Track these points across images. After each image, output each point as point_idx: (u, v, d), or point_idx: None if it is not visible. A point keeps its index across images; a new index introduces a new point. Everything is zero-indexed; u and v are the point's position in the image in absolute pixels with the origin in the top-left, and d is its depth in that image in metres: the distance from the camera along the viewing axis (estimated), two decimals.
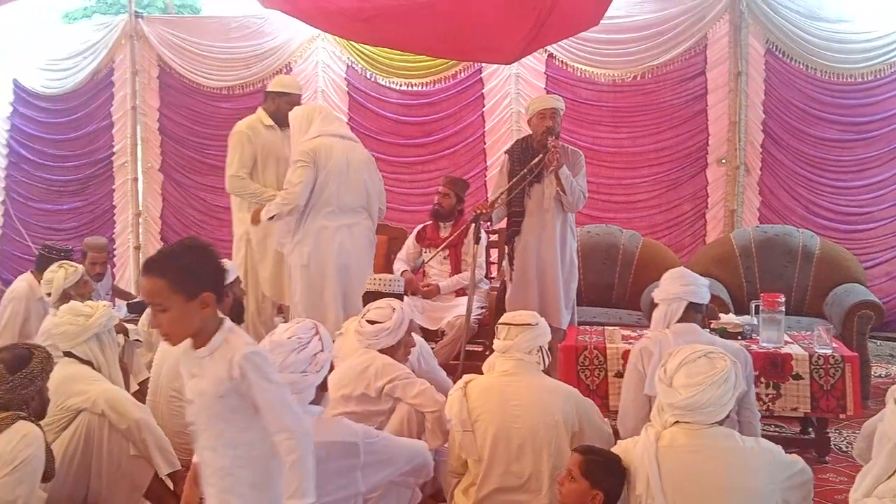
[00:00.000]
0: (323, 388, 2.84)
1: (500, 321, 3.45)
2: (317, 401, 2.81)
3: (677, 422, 2.63)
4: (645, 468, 2.58)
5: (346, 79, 7.64)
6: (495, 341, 3.42)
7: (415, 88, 7.51)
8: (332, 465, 2.73)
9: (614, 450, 2.82)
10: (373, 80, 7.57)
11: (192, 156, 8.03)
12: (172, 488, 3.48)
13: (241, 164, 5.28)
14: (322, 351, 2.76)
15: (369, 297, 4.20)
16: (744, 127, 6.92)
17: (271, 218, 4.99)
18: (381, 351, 3.65)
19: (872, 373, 5.64)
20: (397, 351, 3.69)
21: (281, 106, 5.32)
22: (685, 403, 2.58)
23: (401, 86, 7.53)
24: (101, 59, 8.13)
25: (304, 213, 4.95)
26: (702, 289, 3.76)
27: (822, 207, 6.85)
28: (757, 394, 4.04)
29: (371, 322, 3.69)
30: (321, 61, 7.69)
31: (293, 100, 5.37)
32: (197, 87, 7.93)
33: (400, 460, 2.99)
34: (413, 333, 3.91)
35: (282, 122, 5.28)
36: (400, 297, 4.27)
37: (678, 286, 3.74)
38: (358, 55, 7.52)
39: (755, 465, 2.57)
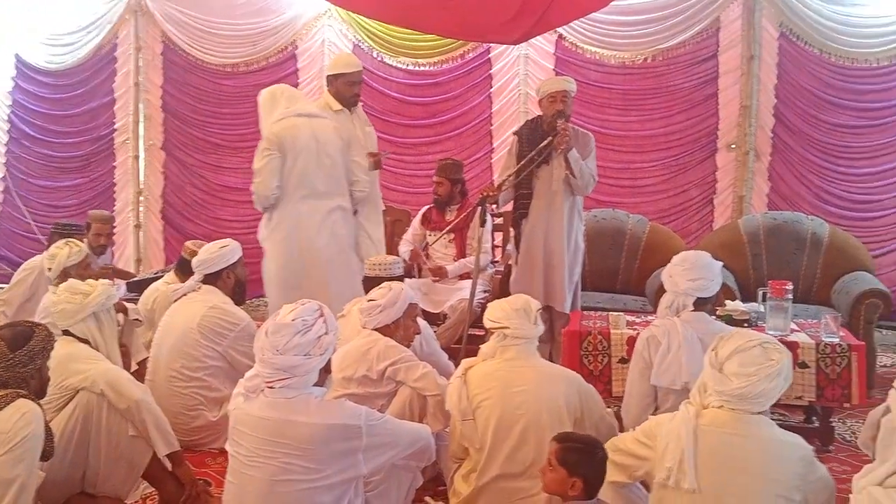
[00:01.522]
0: (326, 370, 2.81)
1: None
2: (320, 383, 2.79)
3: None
4: (680, 443, 2.56)
5: None
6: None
7: (422, 68, 7.43)
8: (334, 447, 2.70)
9: (648, 422, 2.81)
10: (379, 59, 7.49)
11: (194, 134, 7.97)
12: (171, 469, 3.45)
13: None
14: (326, 334, 2.72)
15: (369, 282, 4.17)
16: (755, 112, 6.84)
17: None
18: (380, 331, 3.62)
19: (878, 362, 5.60)
20: (395, 332, 3.66)
21: (339, 88, 5.08)
22: (737, 393, 2.55)
23: (407, 65, 7.45)
24: (105, 35, 8.06)
25: (278, 199, 4.88)
26: (712, 283, 3.66)
27: (833, 195, 6.77)
28: None
29: (370, 301, 3.68)
30: (327, 39, 7.61)
31: (351, 78, 5.08)
32: (201, 64, 7.85)
33: (402, 443, 2.95)
34: (417, 318, 3.88)
35: (347, 102, 5.10)
36: (400, 279, 4.23)
37: (686, 281, 3.63)
38: (365, 34, 7.44)
39: (789, 457, 2.57)
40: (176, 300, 4.49)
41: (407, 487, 3.20)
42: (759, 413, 2.60)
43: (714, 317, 4.10)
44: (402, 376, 3.54)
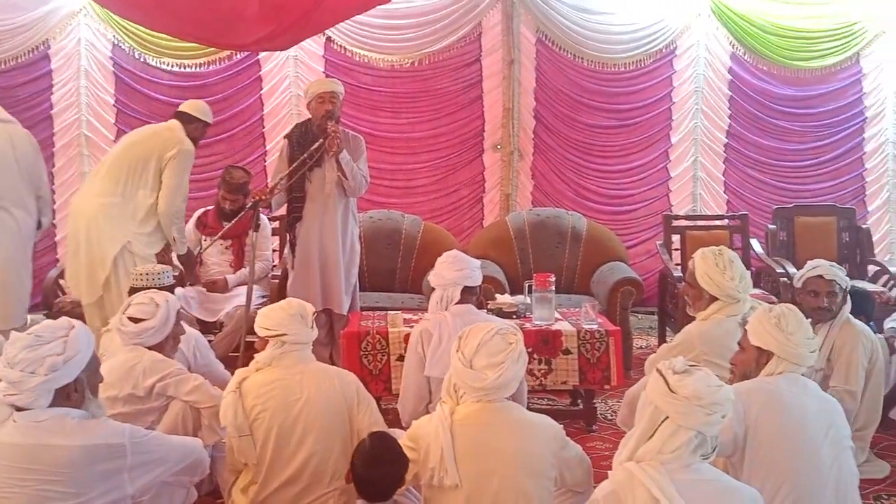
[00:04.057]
0: (77, 390, 2.61)
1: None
2: (74, 404, 2.60)
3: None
4: (439, 442, 2.63)
5: (111, 58, 7.16)
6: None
7: (188, 70, 7.17)
8: (96, 468, 2.55)
9: (412, 426, 2.88)
10: (142, 60, 7.15)
11: None
12: None
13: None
14: (60, 355, 2.53)
15: (135, 293, 3.96)
16: (517, 113, 7.18)
17: None
18: (150, 346, 3.46)
19: (634, 345, 6.06)
20: (164, 346, 3.51)
21: (191, 132, 5.19)
22: (496, 384, 2.65)
23: (172, 67, 7.16)
24: None
25: None
26: (475, 272, 3.90)
27: (590, 190, 7.27)
28: (530, 370, 4.27)
29: (133, 319, 3.47)
30: (84, 38, 7.15)
31: (204, 127, 5.33)
32: None
33: (172, 459, 2.82)
34: (183, 323, 3.74)
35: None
36: (170, 289, 4.06)
37: (453, 271, 3.84)
38: (125, 33, 7.07)
39: (539, 437, 2.71)
40: None
41: None
42: (507, 399, 2.74)
43: (486, 311, 4.32)
44: (173, 391, 3.40)
